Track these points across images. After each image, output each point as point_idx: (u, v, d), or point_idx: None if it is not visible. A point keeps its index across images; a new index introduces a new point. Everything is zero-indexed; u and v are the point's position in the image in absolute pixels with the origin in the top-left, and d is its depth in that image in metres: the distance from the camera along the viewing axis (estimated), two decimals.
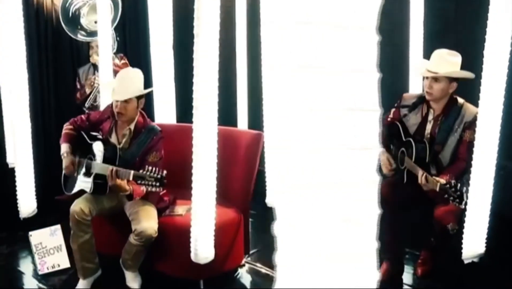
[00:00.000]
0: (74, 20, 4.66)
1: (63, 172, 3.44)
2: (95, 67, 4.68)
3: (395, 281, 3.16)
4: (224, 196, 3.33)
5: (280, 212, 1.30)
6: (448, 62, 3.02)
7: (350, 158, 1.19)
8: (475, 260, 2.75)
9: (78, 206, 3.11)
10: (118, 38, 4.79)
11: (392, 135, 3.29)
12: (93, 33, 4.58)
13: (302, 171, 1.24)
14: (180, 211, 3.22)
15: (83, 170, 3.27)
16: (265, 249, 3.58)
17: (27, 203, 3.38)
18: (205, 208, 2.66)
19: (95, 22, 4.64)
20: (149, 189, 2.91)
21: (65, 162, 3.27)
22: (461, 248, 2.91)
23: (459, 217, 2.86)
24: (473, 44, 3.15)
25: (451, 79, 3.02)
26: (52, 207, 3.76)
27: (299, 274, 1.24)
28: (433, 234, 3.06)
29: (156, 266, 3.21)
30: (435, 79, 3.03)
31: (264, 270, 3.40)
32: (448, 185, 2.68)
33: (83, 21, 4.66)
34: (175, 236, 3.10)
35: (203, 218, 2.65)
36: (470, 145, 2.96)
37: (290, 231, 1.26)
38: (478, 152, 2.63)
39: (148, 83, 4.79)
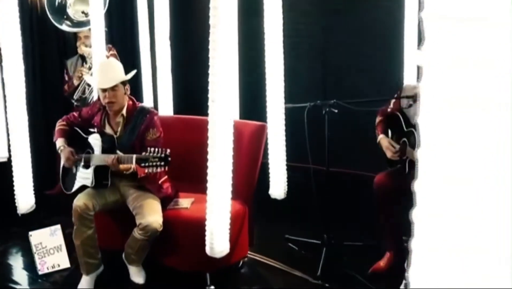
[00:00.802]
0: (60, 10, 4.53)
1: (61, 170, 3.39)
2: (83, 58, 4.58)
3: (398, 269, 3.21)
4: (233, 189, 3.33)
5: (422, 201, 1.30)
6: None
7: (485, 154, 1.20)
8: None
9: (81, 201, 3.06)
10: (106, 29, 4.67)
11: (393, 125, 3.34)
12: (80, 24, 4.47)
13: (447, 164, 1.25)
14: (185, 204, 3.20)
15: (82, 164, 3.22)
16: (267, 240, 3.59)
17: (25, 199, 3.29)
18: (221, 201, 2.64)
19: (82, 12, 4.56)
20: (155, 170, 2.86)
21: (64, 155, 3.23)
22: None
23: None
24: None
25: None
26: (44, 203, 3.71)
27: (433, 265, 1.25)
28: None
29: (161, 260, 3.18)
30: None
31: (267, 261, 3.40)
32: None
33: (70, 11, 4.52)
34: (181, 229, 3.08)
35: (219, 212, 2.63)
36: None
37: (430, 220, 1.27)
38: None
39: (137, 73, 4.74)
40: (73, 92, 4.54)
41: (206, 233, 2.70)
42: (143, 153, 2.89)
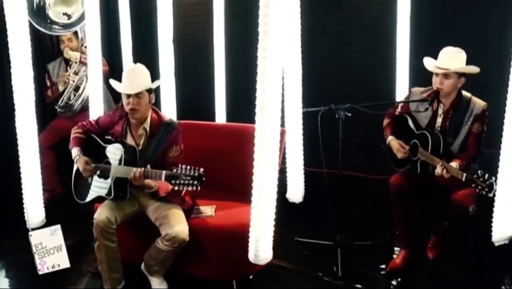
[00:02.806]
0: (39, 12, 4.30)
1: (72, 178, 3.25)
2: (66, 62, 4.38)
3: (411, 265, 3.35)
4: (248, 194, 3.31)
5: None
6: (457, 58, 3.22)
7: None
8: (506, 242, 2.99)
9: (103, 215, 2.95)
10: None
11: (402, 127, 3.47)
12: (67, 26, 4.26)
13: None
14: (209, 212, 3.16)
15: (97, 174, 3.10)
16: (285, 243, 3.59)
17: (35, 213, 3.12)
18: (266, 208, 2.64)
19: (63, 14, 4.35)
20: (185, 188, 2.79)
21: (80, 165, 3.10)
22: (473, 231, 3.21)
23: (477, 199, 3.09)
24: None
25: (460, 74, 3.23)
26: None
27: None
28: (448, 218, 3.27)
29: (186, 268, 3.13)
30: (446, 75, 3.21)
31: (284, 264, 3.41)
32: (475, 176, 2.86)
33: (50, 13, 4.30)
34: (208, 237, 3.04)
35: (264, 219, 2.63)
36: (478, 136, 3.21)
37: None
38: (506, 140, 2.85)
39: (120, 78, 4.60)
40: (57, 98, 4.34)
41: (250, 240, 2.70)
42: (174, 170, 2.80)
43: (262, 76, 2.43)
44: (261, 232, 2.67)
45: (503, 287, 3.18)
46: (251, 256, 2.71)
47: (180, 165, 2.81)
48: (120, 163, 3.01)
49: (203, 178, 2.77)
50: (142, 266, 3.13)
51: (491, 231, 3.06)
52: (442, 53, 3.27)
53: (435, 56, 3.31)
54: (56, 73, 4.38)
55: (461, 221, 3.21)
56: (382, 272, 3.33)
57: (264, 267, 3.27)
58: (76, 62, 4.26)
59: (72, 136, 3.19)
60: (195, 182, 2.76)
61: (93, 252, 3.57)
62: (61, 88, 4.32)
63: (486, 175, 2.83)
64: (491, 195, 2.83)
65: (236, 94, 4.89)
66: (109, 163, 3.06)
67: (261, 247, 2.66)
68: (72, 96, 4.33)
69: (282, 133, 3.35)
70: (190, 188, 2.79)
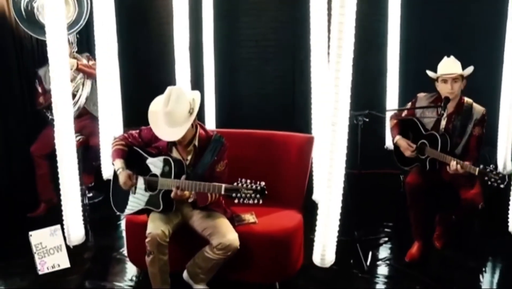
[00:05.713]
0: (29, 18, 4.10)
1: (111, 189, 3.20)
2: None
3: (424, 255, 3.68)
4: (280, 199, 3.43)
5: None
6: (457, 63, 3.60)
7: None
8: None
9: (159, 229, 2.96)
10: (78, 36, 4.32)
11: (408, 129, 3.78)
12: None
13: None
14: (252, 219, 3.23)
15: (141, 187, 3.09)
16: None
17: (76, 230, 3.03)
18: (334, 216, 2.79)
19: None
20: (246, 201, 2.80)
21: (122, 178, 3.07)
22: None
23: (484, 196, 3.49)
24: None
25: (463, 78, 3.59)
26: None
27: None
28: (457, 213, 3.63)
29: (230, 275, 3.19)
30: (455, 80, 3.57)
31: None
32: (488, 169, 3.21)
33: (40, 18, 4.09)
34: (256, 244, 3.12)
35: (331, 226, 2.78)
36: (479, 139, 3.59)
37: None
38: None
39: None
40: (50, 105, 4.11)
41: (316, 245, 2.84)
42: (235, 183, 2.82)
43: (336, 95, 2.55)
44: (328, 237, 2.82)
45: None
46: (316, 260, 2.86)
47: (239, 179, 2.83)
48: (163, 176, 3.01)
49: (266, 192, 2.80)
50: (185, 275, 3.15)
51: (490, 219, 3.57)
52: (445, 62, 3.62)
53: (422, 62, 3.71)
54: (49, 80, 4.16)
55: (469, 216, 3.59)
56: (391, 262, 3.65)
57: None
58: (71, 69, 4.09)
59: (113, 148, 3.14)
60: (258, 196, 2.78)
61: (117, 264, 3.57)
62: None
63: (499, 169, 3.20)
64: (503, 186, 3.17)
65: (225, 98, 4.97)
66: (155, 175, 3.04)
67: (327, 251, 2.81)
68: None
69: (311, 140, 3.53)
70: (251, 202, 2.80)
